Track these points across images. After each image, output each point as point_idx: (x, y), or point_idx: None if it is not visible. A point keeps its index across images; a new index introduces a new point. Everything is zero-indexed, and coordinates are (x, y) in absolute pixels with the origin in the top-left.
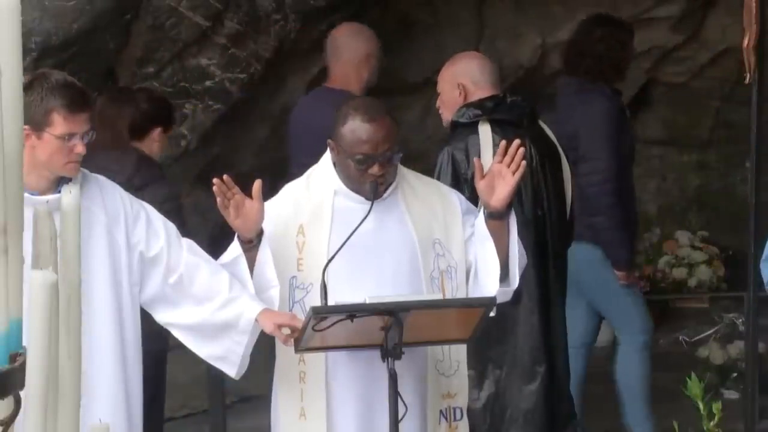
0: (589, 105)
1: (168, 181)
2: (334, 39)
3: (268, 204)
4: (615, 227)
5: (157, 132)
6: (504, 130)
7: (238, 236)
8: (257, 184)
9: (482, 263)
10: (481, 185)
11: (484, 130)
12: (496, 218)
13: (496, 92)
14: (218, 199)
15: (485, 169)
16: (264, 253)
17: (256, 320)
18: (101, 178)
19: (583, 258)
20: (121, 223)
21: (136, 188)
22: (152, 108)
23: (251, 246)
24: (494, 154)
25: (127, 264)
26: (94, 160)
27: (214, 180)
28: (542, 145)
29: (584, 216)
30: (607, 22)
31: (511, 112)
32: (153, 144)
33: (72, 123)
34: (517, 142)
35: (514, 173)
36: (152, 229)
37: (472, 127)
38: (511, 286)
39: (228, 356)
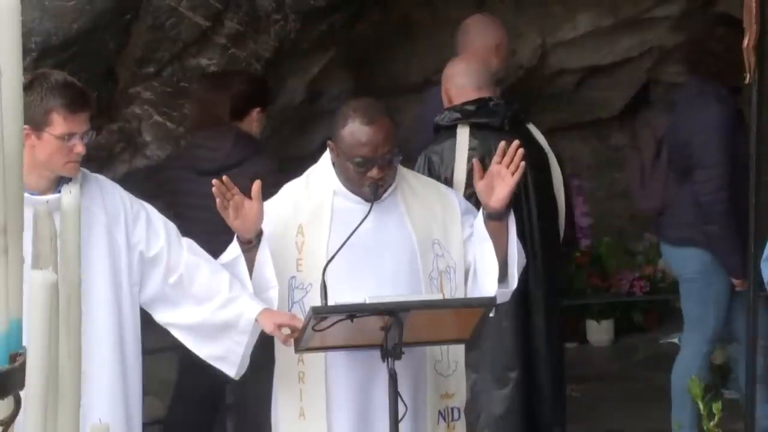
0: (703, 110)
1: (266, 158)
2: (464, 27)
3: (268, 204)
4: (729, 235)
5: (255, 112)
6: (484, 133)
7: (237, 237)
8: (256, 185)
9: (481, 264)
10: (480, 186)
11: (462, 133)
12: (495, 219)
13: (484, 95)
14: (217, 200)
15: (458, 174)
16: (263, 253)
17: (256, 320)
18: (101, 177)
19: (691, 260)
20: (121, 223)
21: (232, 164)
22: (250, 89)
23: (250, 246)
24: (470, 158)
25: (127, 264)
26: (193, 139)
27: (214, 181)
28: (524, 149)
29: (699, 223)
30: (728, 22)
31: (492, 115)
32: (252, 124)
33: (72, 123)
34: (516, 143)
35: (513, 174)
36: (152, 228)
37: (452, 130)
38: (510, 286)
39: (228, 356)
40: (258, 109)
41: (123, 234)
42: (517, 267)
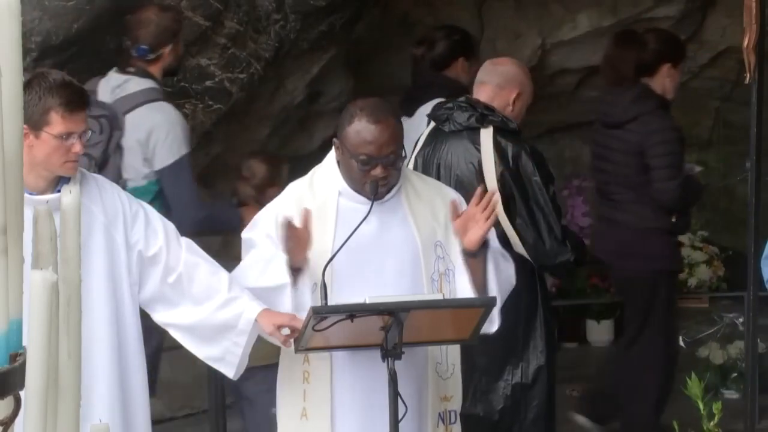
0: None
1: (665, 115)
2: None
3: (272, 204)
4: None
5: (665, 68)
6: (434, 129)
7: (287, 262)
8: (305, 211)
9: (462, 294)
10: (455, 225)
11: (428, 129)
12: (470, 256)
13: (471, 95)
14: (282, 235)
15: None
16: (303, 283)
17: (255, 320)
18: (99, 177)
19: None
20: (120, 223)
21: (629, 119)
22: (661, 46)
23: (297, 276)
24: (418, 154)
25: (126, 264)
26: (601, 94)
27: (280, 222)
28: (455, 153)
29: None
30: None
31: (433, 112)
32: (664, 80)
33: (70, 122)
34: (491, 191)
35: (487, 219)
36: (151, 228)
37: None
38: (492, 326)
39: (225, 357)
40: (668, 65)
41: (122, 233)
42: (499, 298)
